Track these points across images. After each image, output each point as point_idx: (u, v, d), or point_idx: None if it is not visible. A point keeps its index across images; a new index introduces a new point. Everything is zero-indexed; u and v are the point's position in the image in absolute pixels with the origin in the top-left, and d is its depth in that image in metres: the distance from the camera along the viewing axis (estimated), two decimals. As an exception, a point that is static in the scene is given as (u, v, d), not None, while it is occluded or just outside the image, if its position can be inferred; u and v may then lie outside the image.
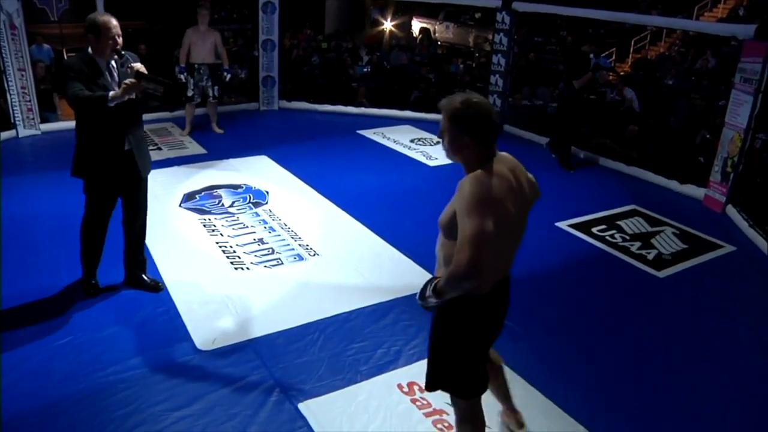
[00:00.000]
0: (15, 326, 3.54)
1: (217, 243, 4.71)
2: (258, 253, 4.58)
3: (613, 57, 13.77)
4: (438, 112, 2.19)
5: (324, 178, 6.19)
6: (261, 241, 4.79)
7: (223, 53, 7.34)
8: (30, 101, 7.07)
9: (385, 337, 3.63)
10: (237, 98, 9.22)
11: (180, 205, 5.38)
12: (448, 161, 2.29)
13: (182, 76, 7.24)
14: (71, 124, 3.79)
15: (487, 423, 2.59)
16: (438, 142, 2.03)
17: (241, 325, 3.69)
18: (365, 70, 11.05)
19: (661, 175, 6.67)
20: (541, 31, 14.98)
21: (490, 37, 9.50)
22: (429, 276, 2.28)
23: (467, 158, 2.15)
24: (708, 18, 14.76)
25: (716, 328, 4.03)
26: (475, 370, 2.36)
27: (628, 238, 5.24)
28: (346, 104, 9.13)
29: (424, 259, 4.42)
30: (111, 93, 3.32)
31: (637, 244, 5.13)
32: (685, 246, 5.16)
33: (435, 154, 7.15)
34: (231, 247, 4.66)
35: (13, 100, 6.95)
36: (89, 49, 3.46)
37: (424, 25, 17.38)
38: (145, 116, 3.78)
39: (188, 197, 5.57)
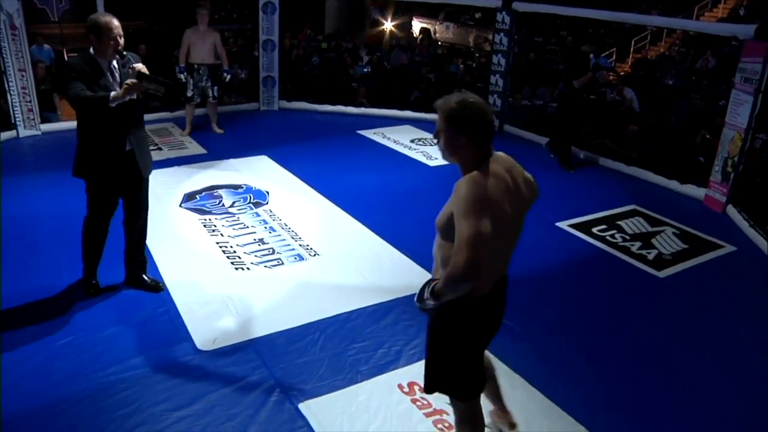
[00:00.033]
0: (15, 326, 3.55)
1: (217, 243, 4.71)
2: (258, 253, 4.58)
3: (614, 57, 13.77)
4: None
5: (324, 178, 6.19)
6: (261, 241, 4.79)
7: (222, 53, 7.34)
8: (30, 101, 7.07)
9: (385, 337, 3.63)
10: (237, 98, 9.22)
11: (180, 205, 5.38)
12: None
13: (182, 76, 7.24)
14: (72, 124, 3.80)
15: (486, 423, 2.60)
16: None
17: (242, 325, 3.69)
18: (365, 70, 11.05)
19: (662, 175, 6.67)
20: (541, 31, 14.99)
21: (491, 37, 9.50)
22: (430, 276, 2.28)
23: (463, 159, 2.13)
24: (708, 18, 14.76)
25: (716, 328, 4.03)
26: (473, 372, 2.35)
27: (628, 238, 5.24)
28: (346, 104, 9.13)
29: (424, 259, 4.41)
30: (112, 93, 3.32)
31: (638, 244, 5.13)
32: (685, 246, 5.16)
33: (435, 154, 7.14)
34: (231, 247, 4.66)
35: (14, 100, 6.96)
36: (91, 50, 3.46)
37: (425, 25, 17.39)
38: (146, 116, 3.78)
39: (189, 197, 5.57)
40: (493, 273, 2.20)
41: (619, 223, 5.55)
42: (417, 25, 17.56)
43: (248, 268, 4.37)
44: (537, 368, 3.40)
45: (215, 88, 7.39)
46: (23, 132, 7.10)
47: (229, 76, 7.81)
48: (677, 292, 4.47)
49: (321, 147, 7.38)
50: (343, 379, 3.25)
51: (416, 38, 16.33)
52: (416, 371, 3.24)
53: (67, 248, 4.30)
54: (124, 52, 3.48)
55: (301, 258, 4.56)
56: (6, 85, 6.89)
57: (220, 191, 5.75)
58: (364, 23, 17.93)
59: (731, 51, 10.92)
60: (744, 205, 5.77)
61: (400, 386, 3.20)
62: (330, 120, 8.72)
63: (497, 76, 8.31)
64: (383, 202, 5.75)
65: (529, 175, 2.32)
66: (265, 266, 4.41)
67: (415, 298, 2.22)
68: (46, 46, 9.15)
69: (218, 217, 5.19)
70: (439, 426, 2.95)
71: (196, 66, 7.19)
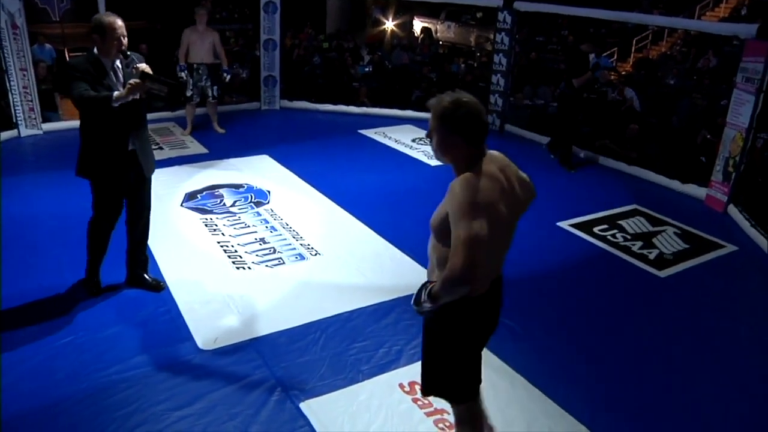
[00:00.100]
0: (16, 326, 3.55)
1: (218, 242, 4.72)
2: (259, 253, 4.59)
3: (615, 57, 13.76)
4: None
5: (325, 177, 6.19)
6: (262, 240, 4.80)
7: (221, 53, 7.33)
8: (32, 101, 7.08)
9: (386, 336, 3.63)
10: (238, 98, 9.22)
11: (181, 205, 5.39)
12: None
13: (183, 74, 7.24)
14: (73, 123, 3.81)
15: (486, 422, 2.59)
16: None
17: (243, 325, 3.69)
18: (367, 69, 11.06)
19: (663, 175, 6.67)
20: (543, 30, 14.98)
21: (492, 36, 9.51)
22: (431, 276, 2.27)
23: (456, 159, 2.12)
24: (710, 17, 14.73)
25: (717, 328, 4.03)
26: (470, 373, 2.34)
27: (629, 237, 5.24)
28: (347, 104, 9.13)
29: (425, 259, 4.36)
30: (116, 93, 3.32)
31: (639, 243, 5.13)
32: (686, 246, 5.16)
33: (436, 154, 7.14)
34: (232, 246, 4.67)
35: (15, 99, 6.96)
36: (95, 50, 3.46)
37: (426, 25, 17.39)
38: (147, 116, 3.78)
39: (190, 197, 5.58)
40: (490, 273, 2.19)
41: (620, 222, 5.54)
42: (418, 25, 17.57)
43: (249, 268, 4.37)
44: (538, 368, 3.40)
45: (215, 87, 7.39)
46: (24, 131, 7.11)
47: (228, 76, 7.80)
48: (678, 291, 4.47)
49: (322, 146, 7.38)
50: (344, 378, 3.25)
51: (417, 38, 16.34)
52: (417, 371, 3.20)
53: (68, 248, 4.30)
54: (128, 52, 3.49)
55: (302, 257, 4.57)
56: (7, 85, 6.89)
57: (221, 190, 5.76)
58: (366, 23, 17.92)
59: (733, 50, 10.90)
60: (745, 205, 5.76)
61: (401, 386, 3.20)
62: (331, 119, 8.72)
63: (498, 75, 8.31)
64: (384, 201, 5.75)
65: (524, 175, 2.31)
66: (267, 266, 4.42)
67: (412, 301, 2.20)
68: (48, 46, 9.16)
69: (219, 216, 5.20)
70: (440, 425, 2.95)
71: (195, 66, 7.19)
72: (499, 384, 3.22)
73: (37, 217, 5.00)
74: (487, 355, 3.11)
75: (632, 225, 5.51)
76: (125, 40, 3.45)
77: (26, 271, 4.14)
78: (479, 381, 2.41)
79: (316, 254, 4.62)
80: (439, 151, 2.15)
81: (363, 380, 3.24)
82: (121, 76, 3.52)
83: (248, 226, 5.03)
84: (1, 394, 2.98)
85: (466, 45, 15.94)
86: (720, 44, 12.09)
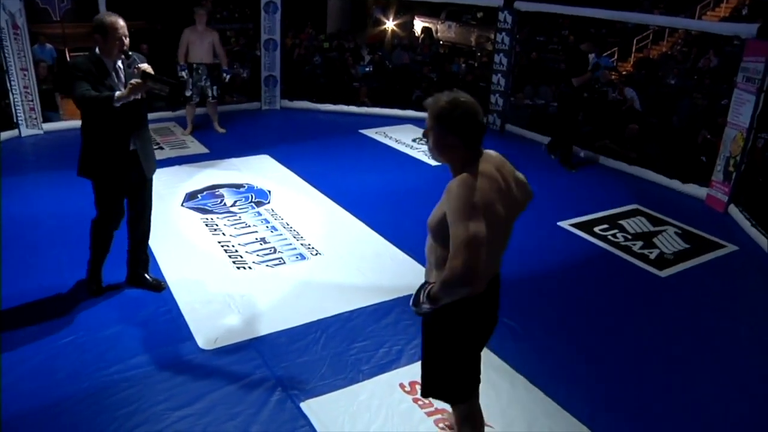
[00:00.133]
0: (17, 326, 3.55)
1: (219, 242, 4.72)
2: (260, 253, 4.59)
3: (615, 56, 13.75)
4: None
5: (326, 177, 6.19)
6: (263, 240, 4.80)
7: (221, 53, 7.34)
8: (32, 101, 7.08)
9: (387, 336, 3.64)
10: (239, 98, 9.22)
11: (182, 205, 5.39)
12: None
13: (184, 74, 7.24)
14: (74, 123, 3.81)
15: (486, 422, 2.60)
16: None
17: (244, 324, 3.70)
18: (367, 69, 11.06)
19: (663, 175, 6.67)
20: (543, 30, 14.97)
21: (492, 36, 9.51)
22: (431, 276, 2.27)
23: (453, 159, 2.11)
24: (710, 17, 14.72)
25: (717, 328, 4.03)
26: (469, 374, 2.34)
27: (630, 237, 5.24)
28: (348, 104, 9.13)
29: (425, 259, 4.41)
30: (117, 93, 3.33)
31: (639, 243, 5.13)
32: (687, 245, 5.16)
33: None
34: (233, 246, 4.67)
35: (16, 99, 6.97)
36: (96, 50, 3.46)
37: (426, 25, 17.39)
38: (148, 116, 3.78)
39: (190, 197, 5.58)
40: (488, 273, 2.19)
41: (620, 222, 5.54)
42: (419, 25, 17.57)
43: (250, 268, 4.38)
44: (538, 368, 3.40)
45: (214, 87, 7.39)
46: (25, 131, 7.11)
47: (228, 76, 7.79)
48: (678, 291, 4.47)
49: (323, 146, 7.38)
50: (345, 378, 3.25)
51: (418, 37, 16.34)
52: (417, 371, 3.20)
53: (68, 248, 4.31)
54: (130, 52, 3.49)
55: (302, 257, 4.57)
56: (8, 85, 6.90)
57: (222, 190, 5.76)
58: (366, 23, 17.93)
59: (733, 50, 10.91)
60: (746, 205, 5.76)
61: (402, 385, 3.20)
62: (332, 119, 8.72)
63: (499, 75, 8.30)
64: (385, 201, 5.76)
65: (520, 176, 2.30)
66: (267, 265, 4.42)
67: (411, 302, 2.19)
68: (48, 46, 9.17)
69: (220, 216, 5.20)
70: (441, 425, 2.95)
71: (194, 65, 7.20)
72: (499, 384, 3.23)
73: (37, 217, 5.00)
74: (487, 355, 3.12)
75: (633, 225, 5.51)
76: (127, 40, 3.45)
77: (26, 271, 4.14)
78: (479, 380, 2.41)
79: (316, 254, 4.63)
80: (436, 151, 2.14)
81: (363, 380, 3.25)
82: (122, 76, 3.53)
83: (249, 226, 5.03)
84: (2, 394, 2.98)
85: (466, 45, 15.94)
86: (721, 44, 12.09)
